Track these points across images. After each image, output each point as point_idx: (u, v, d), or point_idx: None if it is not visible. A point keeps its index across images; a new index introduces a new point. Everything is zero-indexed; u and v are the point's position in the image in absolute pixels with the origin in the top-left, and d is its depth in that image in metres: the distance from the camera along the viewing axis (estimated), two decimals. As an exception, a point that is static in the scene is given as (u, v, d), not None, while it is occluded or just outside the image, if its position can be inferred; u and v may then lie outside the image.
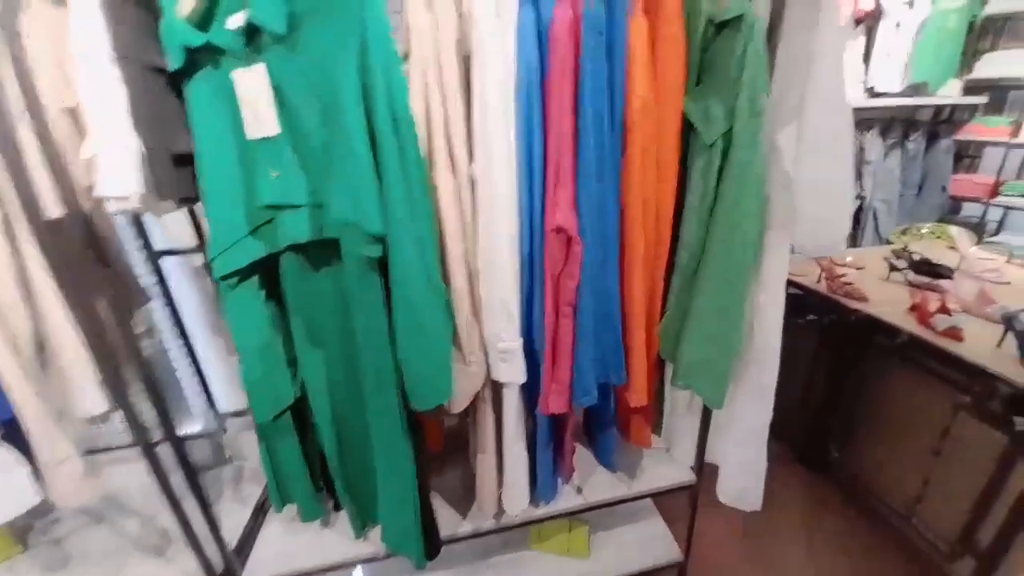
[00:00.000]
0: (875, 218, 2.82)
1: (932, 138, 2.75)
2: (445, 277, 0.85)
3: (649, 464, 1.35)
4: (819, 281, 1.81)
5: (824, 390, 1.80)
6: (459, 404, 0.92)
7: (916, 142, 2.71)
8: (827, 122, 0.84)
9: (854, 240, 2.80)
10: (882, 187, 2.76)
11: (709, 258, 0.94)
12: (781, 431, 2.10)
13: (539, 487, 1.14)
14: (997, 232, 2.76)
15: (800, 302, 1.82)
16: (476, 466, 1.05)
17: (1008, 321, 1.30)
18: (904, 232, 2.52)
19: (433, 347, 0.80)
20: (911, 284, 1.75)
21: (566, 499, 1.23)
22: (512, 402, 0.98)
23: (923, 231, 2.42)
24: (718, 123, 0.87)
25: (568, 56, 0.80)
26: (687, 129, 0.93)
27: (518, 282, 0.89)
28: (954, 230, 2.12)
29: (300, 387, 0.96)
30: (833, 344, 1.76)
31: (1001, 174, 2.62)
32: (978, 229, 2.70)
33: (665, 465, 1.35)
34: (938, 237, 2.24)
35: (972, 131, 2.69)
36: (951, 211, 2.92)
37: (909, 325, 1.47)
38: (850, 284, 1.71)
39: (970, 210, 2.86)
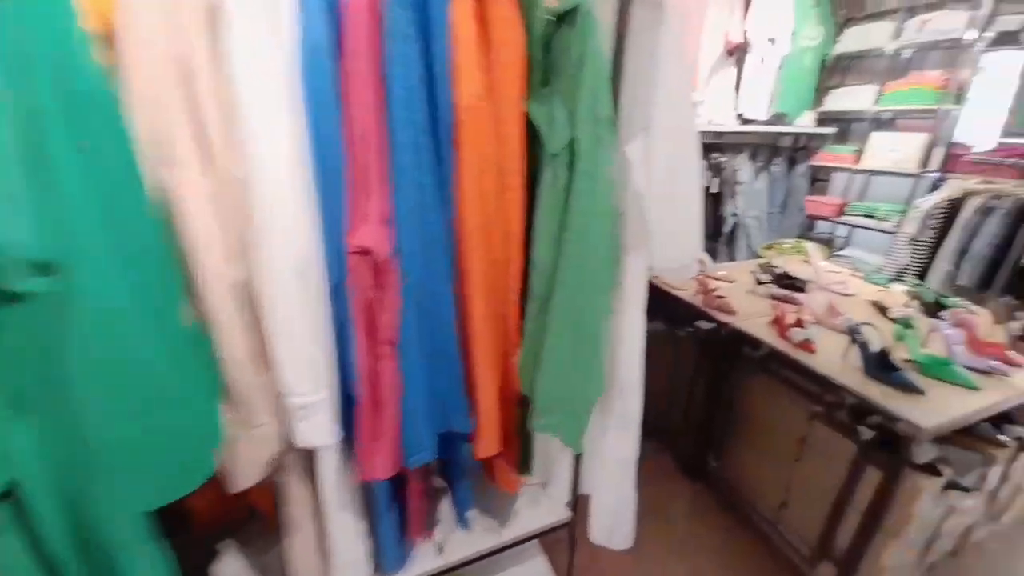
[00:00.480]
0: (747, 234, 3.01)
1: (792, 163, 3.02)
2: (203, 313, 0.62)
3: (522, 504, 1.20)
4: (696, 295, 1.82)
5: (703, 400, 1.80)
6: (245, 479, 0.69)
7: (779, 166, 2.96)
8: (674, 133, 0.76)
9: (730, 254, 2.98)
10: (753, 205, 2.96)
11: (561, 282, 0.81)
12: (668, 442, 2.13)
13: (384, 557, 0.94)
14: (844, 247, 3.10)
15: (681, 314, 1.82)
16: (286, 551, 0.82)
17: (851, 333, 1.35)
18: (770, 247, 2.71)
19: (167, 410, 0.56)
20: (774, 297, 1.82)
21: (422, 561, 1.04)
22: (329, 466, 0.77)
23: (785, 246, 2.61)
24: (562, 129, 0.75)
25: (366, 34, 0.63)
26: (535, 135, 0.80)
27: (318, 316, 0.68)
28: (809, 246, 2.29)
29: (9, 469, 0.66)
30: (709, 355, 1.77)
31: (846, 196, 2.94)
32: (829, 245, 3.01)
33: (540, 504, 1.21)
34: (797, 252, 2.42)
35: (823, 158, 3.00)
36: (809, 228, 3.23)
37: (770, 338, 1.50)
38: (722, 298, 1.74)
39: (824, 227, 3.18)
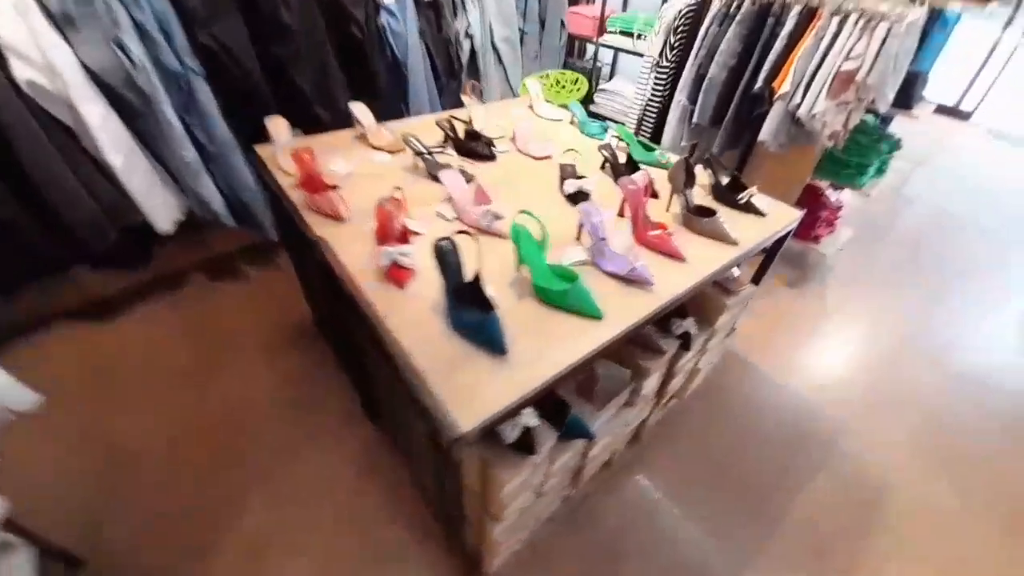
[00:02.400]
0: (501, 64, 2.21)
1: (545, -50, 2.10)
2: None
3: None
4: (297, 187, 1.09)
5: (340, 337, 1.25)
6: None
7: (525, -47, 2.03)
8: None
9: (484, 94, 2.19)
10: (502, 21, 2.08)
11: None
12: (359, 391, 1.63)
13: None
14: (611, 77, 2.49)
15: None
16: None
17: (437, 254, 0.78)
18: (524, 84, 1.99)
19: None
20: (435, 180, 1.17)
21: None
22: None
23: (542, 80, 1.90)
24: None
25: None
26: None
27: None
28: (531, 84, 1.60)
29: None
30: (319, 279, 1.14)
31: (606, 6, 2.20)
32: (592, 77, 2.36)
33: None
34: (553, 89, 1.72)
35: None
36: (579, 54, 2.51)
37: (355, 257, 0.89)
38: (333, 189, 1.04)
39: (592, 52, 2.47)
